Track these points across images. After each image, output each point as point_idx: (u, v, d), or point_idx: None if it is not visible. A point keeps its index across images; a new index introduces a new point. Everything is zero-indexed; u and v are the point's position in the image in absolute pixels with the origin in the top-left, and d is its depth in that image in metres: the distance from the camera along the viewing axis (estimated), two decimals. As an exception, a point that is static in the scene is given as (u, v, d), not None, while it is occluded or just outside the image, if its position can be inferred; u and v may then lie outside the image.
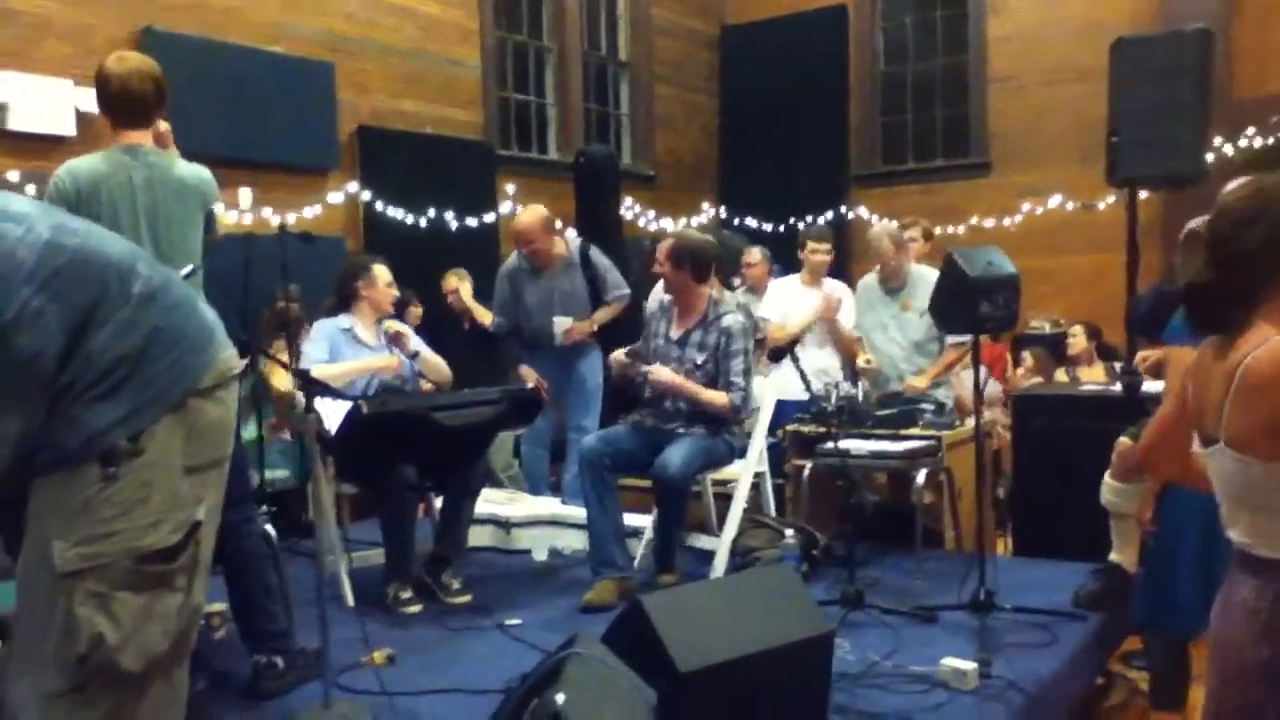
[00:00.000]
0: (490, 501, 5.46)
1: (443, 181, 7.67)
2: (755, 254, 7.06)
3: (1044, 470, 5.01)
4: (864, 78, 10.58)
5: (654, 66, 10.16)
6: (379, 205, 7.23)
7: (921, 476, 4.67)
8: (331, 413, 4.25)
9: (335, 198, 7.06)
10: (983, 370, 7.19)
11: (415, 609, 4.31)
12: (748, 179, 10.50)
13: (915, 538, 4.74)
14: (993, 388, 6.96)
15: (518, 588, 4.69)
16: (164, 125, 3.49)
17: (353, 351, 4.66)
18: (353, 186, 7.16)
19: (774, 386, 4.85)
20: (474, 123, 8.23)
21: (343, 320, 4.69)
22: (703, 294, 4.60)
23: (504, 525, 5.29)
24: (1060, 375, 7.49)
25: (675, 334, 4.63)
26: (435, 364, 4.87)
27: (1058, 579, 4.28)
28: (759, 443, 4.73)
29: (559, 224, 5.70)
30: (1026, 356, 8.05)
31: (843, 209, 10.17)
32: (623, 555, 4.44)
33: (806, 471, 4.92)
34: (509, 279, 5.51)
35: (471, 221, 7.78)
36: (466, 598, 4.44)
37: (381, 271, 4.79)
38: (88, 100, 5.68)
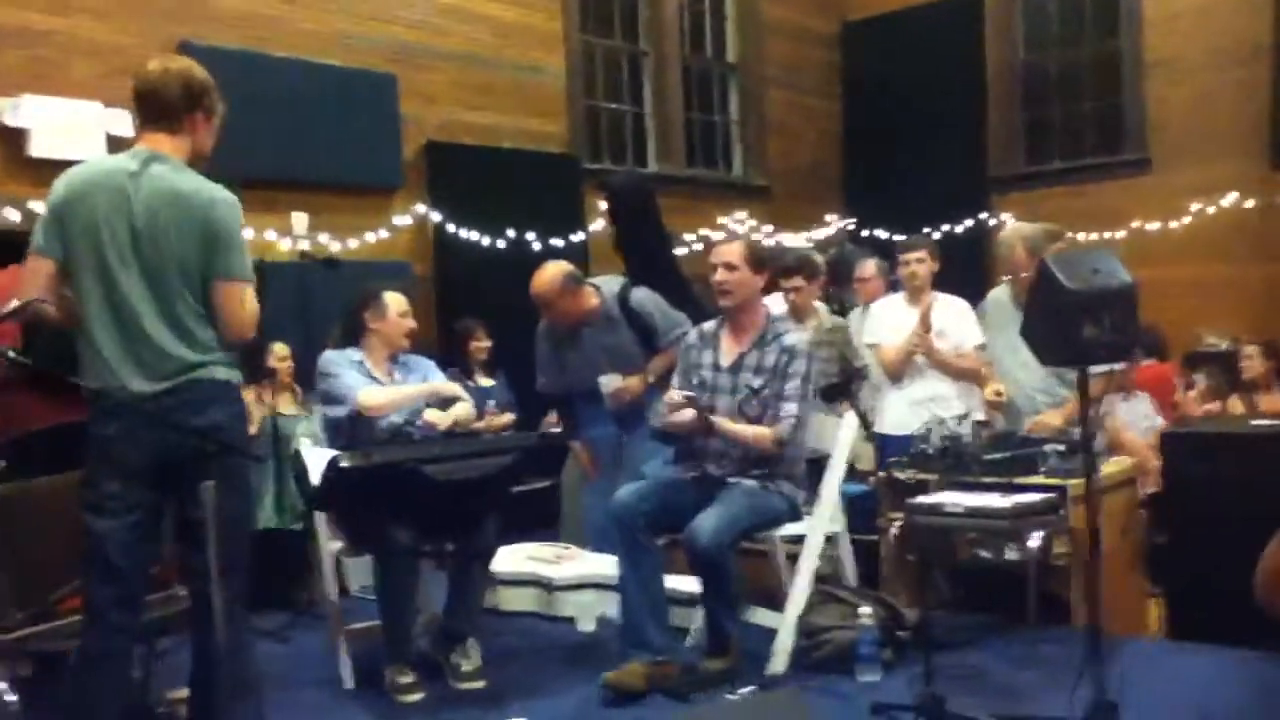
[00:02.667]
0: (535, 559, 4.79)
1: (522, 199, 7.07)
2: (869, 268, 6.20)
3: (1202, 525, 3.99)
4: (1002, 69, 9.52)
5: (766, 69, 9.37)
6: (450, 226, 6.67)
7: (1036, 539, 3.73)
8: (316, 463, 3.66)
9: (401, 220, 6.55)
10: (1145, 398, 6.31)
11: (414, 698, 3.67)
12: (876, 187, 9.57)
13: (1028, 611, 3.82)
14: (1151, 419, 5.87)
15: (546, 667, 3.99)
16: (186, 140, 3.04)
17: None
18: (420, 207, 6.63)
19: (848, 425, 4.00)
20: (556, 134, 7.62)
21: (352, 353, 4.07)
22: (761, 311, 3.83)
23: (547, 587, 4.60)
24: (1235, 404, 6.32)
25: (727, 360, 3.87)
26: (467, 418, 4.20)
27: (1215, 675, 3.31)
28: (830, 496, 3.90)
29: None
30: (1200, 379, 6.87)
31: (983, 215, 9.14)
32: (660, 633, 3.69)
33: (893, 531, 4.05)
34: (547, 338, 4.73)
35: (557, 242, 7.14)
36: (479, 684, 3.76)
37: (395, 301, 4.15)
38: (120, 123, 5.37)
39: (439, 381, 4.17)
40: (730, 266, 3.83)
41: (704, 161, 9.05)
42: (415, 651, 3.83)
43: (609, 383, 4.54)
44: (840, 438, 3.95)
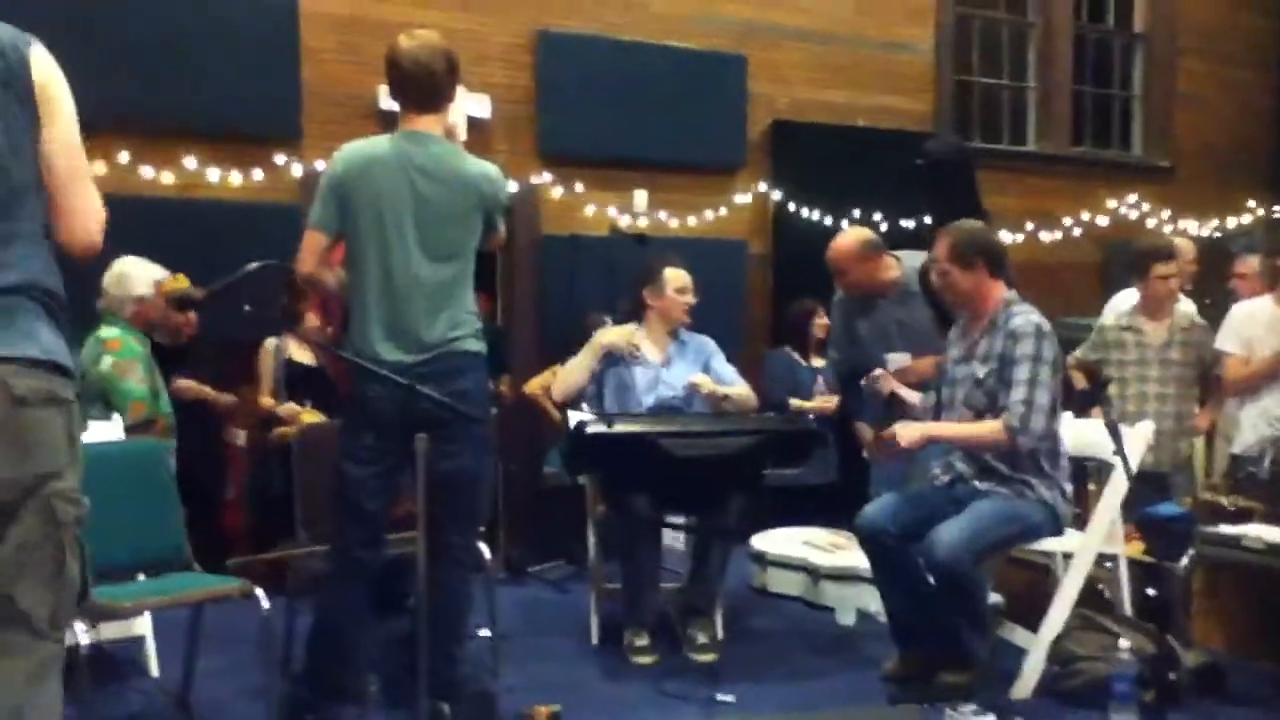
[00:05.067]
0: (809, 544, 4.71)
1: (873, 179, 6.86)
2: (1251, 263, 5.42)
3: None
4: None
5: (1179, 38, 8.37)
6: (790, 205, 6.65)
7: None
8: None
9: (742, 198, 6.63)
10: None
11: (647, 660, 3.78)
12: (1320, 168, 8.27)
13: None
14: None
15: (782, 655, 3.92)
16: (451, 119, 3.34)
17: (627, 369, 4.16)
18: (761, 186, 6.67)
19: (1140, 434, 3.53)
20: (921, 112, 7.29)
21: (630, 328, 4.22)
22: (992, 299, 3.50)
23: (814, 574, 4.51)
24: None
25: (961, 351, 3.57)
26: (740, 398, 4.21)
27: None
28: (1107, 511, 3.48)
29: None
30: None
31: None
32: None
33: (1184, 561, 3.54)
34: (840, 308, 4.52)
35: (907, 223, 6.88)
36: (710, 656, 3.80)
37: (674, 277, 4.21)
38: (479, 106, 5.91)
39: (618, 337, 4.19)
40: (942, 270, 3.53)
41: (1095, 140, 8.28)
42: (656, 618, 3.92)
43: (896, 360, 4.26)
44: (1129, 447, 3.51)
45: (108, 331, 4.02)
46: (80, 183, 2.00)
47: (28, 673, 1.83)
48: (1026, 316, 3.40)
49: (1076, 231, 7.61)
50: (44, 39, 2.02)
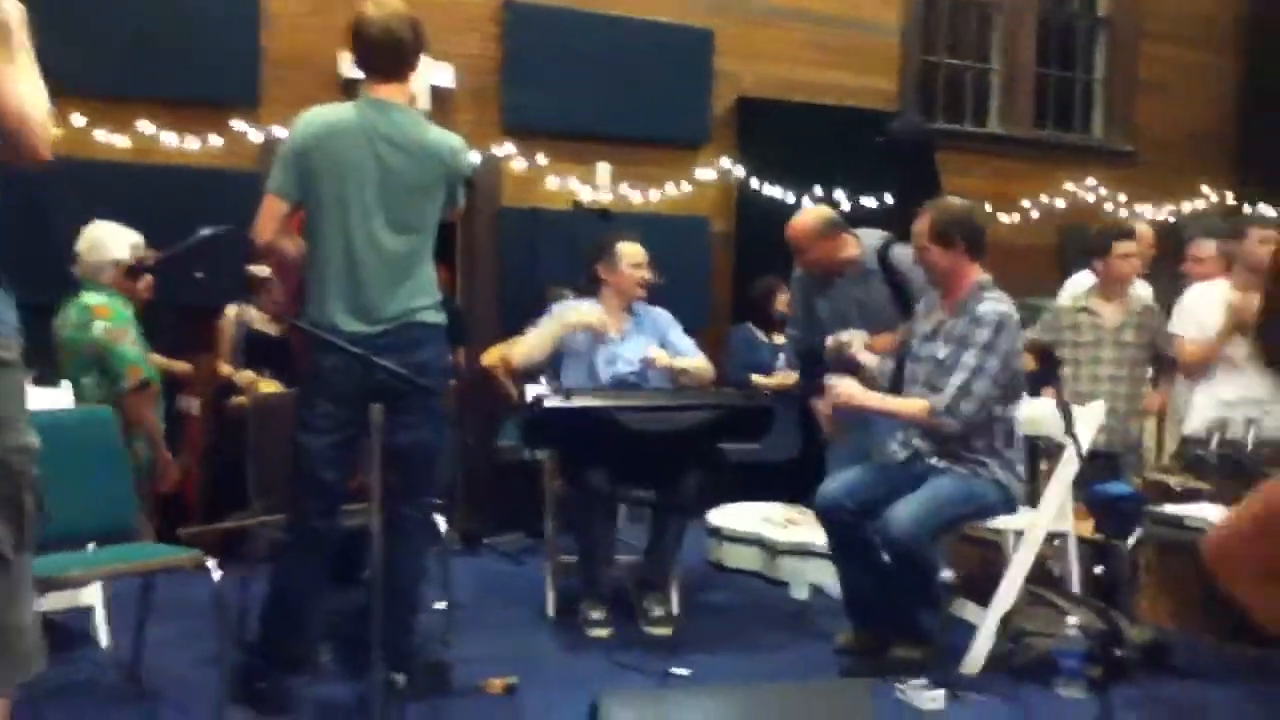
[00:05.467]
0: (766, 520, 4.74)
1: (837, 157, 6.87)
2: (1206, 247, 5.47)
3: None
4: None
5: (1143, 22, 8.43)
6: (753, 183, 6.65)
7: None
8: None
9: (705, 174, 6.62)
10: None
11: (601, 633, 3.80)
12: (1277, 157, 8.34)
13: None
14: None
15: (737, 629, 3.96)
16: (413, 90, 3.30)
17: (589, 345, 4.14)
18: (725, 162, 6.66)
19: (1092, 414, 3.58)
20: (886, 91, 7.30)
21: (585, 304, 4.21)
22: (967, 280, 3.52)
23: (770, 549, 4.55)
24: None
25: (928, 327, 3.61)
26: (697, 370, 4.22)
27: None
28: (1058, 490, 3.53)
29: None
30: None
31: None
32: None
33: (1132, 540, 3.60)
34: (800, 286, 4.53)
35: (868, 202, 6.90)
36: (665, 630, 3.81)
37: (628, 252, 4.20)
38: (444, 75, 5.85)
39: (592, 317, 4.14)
40: (920, 246, 3.56)
41: (1056, 123, 8.33)
42: (612, 591, 3.93)
43: (852, 339, 4.28)
44: (1080, 427, 3.55)
45: (93, 298, 3.96)
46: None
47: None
48: (994, 305, 3.43)
49: (1035, 214, 7.68)
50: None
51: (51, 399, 3.59)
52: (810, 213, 4.41)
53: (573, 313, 4.15)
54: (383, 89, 3.12)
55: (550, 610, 4.03)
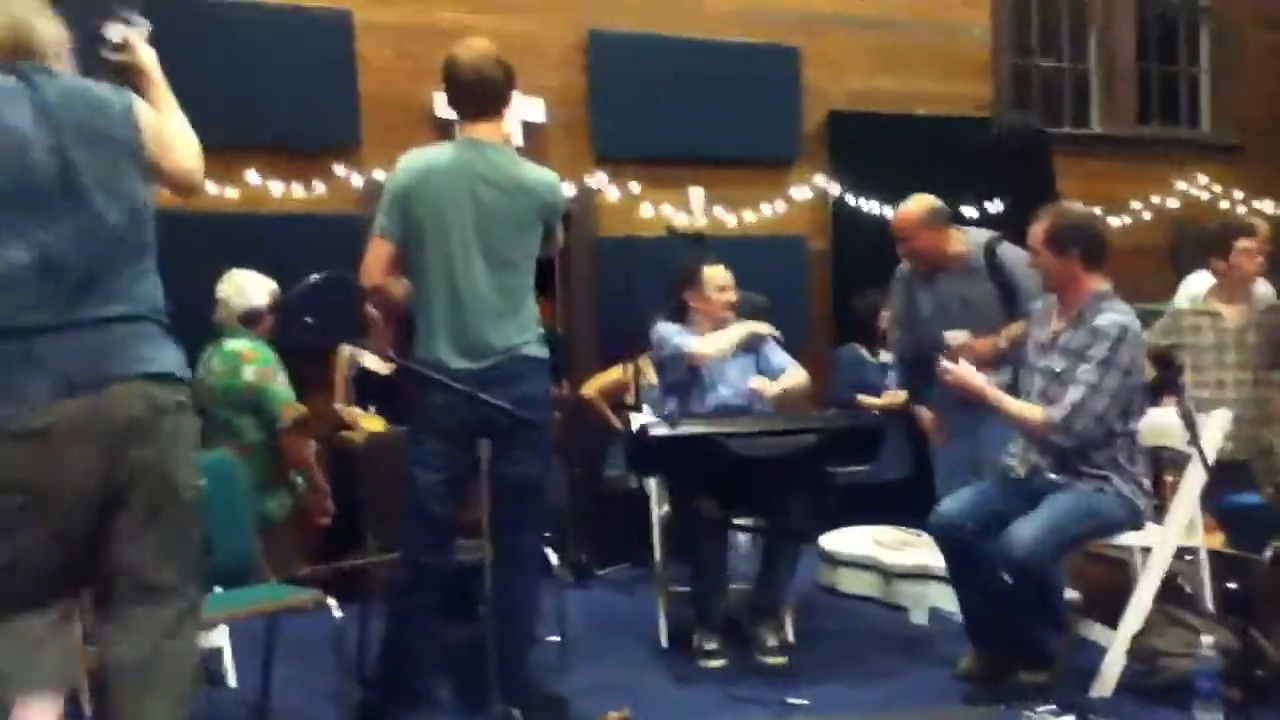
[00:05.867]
0: (879, 543, 4.66)
1: (933, 167, 6.74)
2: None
3: None
4: None
5: (1248, 9, 8.13)
6: (849, 199, 6.58)
7: None
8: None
9: (799, 192, 6.57)
10: None
11: (715, 664, 3.76)
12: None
13: None
14: None
15: (854, 656, 3.88)
16: (506, 129, 3.37)
17: (687, 371, 4.12)
18: (819, 179, 6.60)
19: (1217, 422, 3.43)
20: (978, 97, 7.16)
21: (679, 328, 4.21)
22: (1084, 289, 3.41)
23: (884, 573, 4.46)
24: None
25: (1045, 338, 3.51)
26: (797, 385, 4.19)
27: None
28: (1185, 503, 3.40)
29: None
30: None
31: None
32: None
33: (1267, 553, 3.44)
34: (902, 281, 4.44)
35: (968, 210, 6.76)
36: (780, 659, 3.77)
37: (713, 275, 4.19)
38: (534, 110, 5.92)
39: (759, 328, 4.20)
40: (1034, 251, 3.46)
41: (1161, 119, 8.08)
42: (725, 620, 3.90)
43: (954, 338, 4.14)
44: (1205, 437, 3.42)
45: (237, 344, 4.11)
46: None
47: (163, 625, 2.15)
48: (1113, 316, 3.32)
49: (1146, 215, 7.44)
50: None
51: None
52: (917, 200, 4.29)
53: (747, 325, 4.22)
54: (477, 129, 3.19)
55: (663, 641, 4.01)
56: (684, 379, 4.13)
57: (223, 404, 4.07)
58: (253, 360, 4.07)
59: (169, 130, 2.35)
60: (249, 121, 5.22)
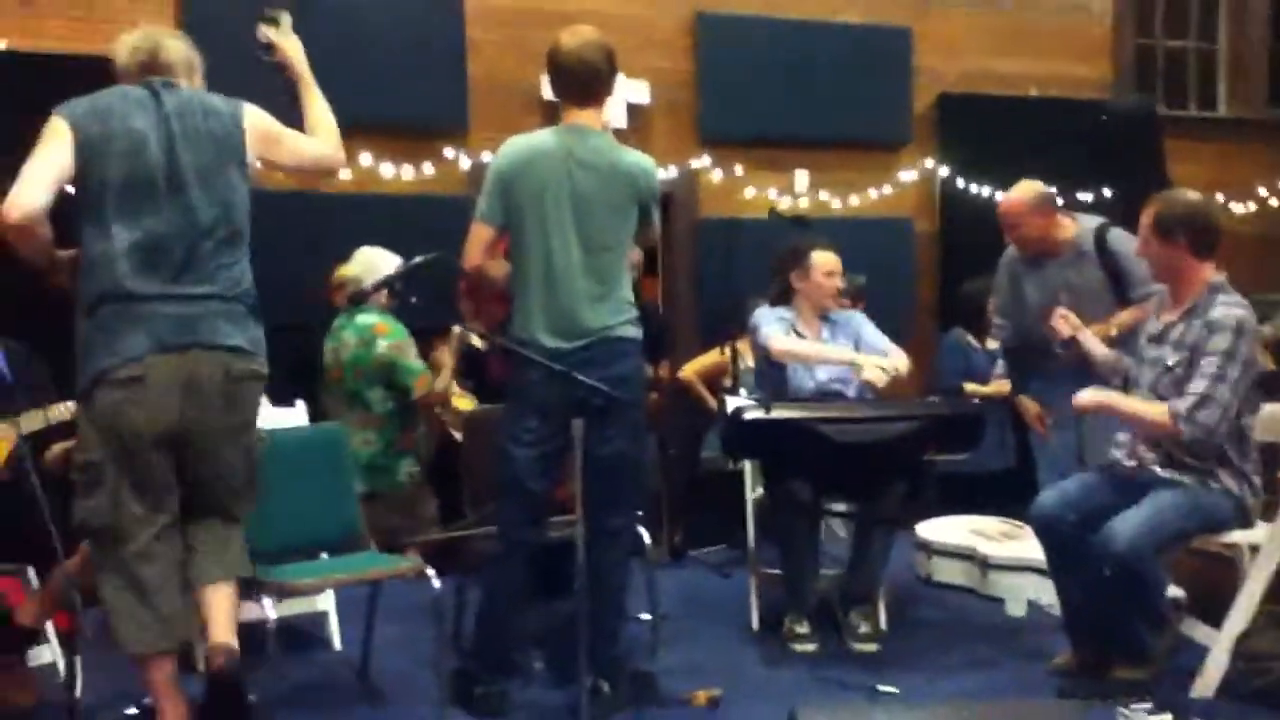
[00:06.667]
0: (977, 533, 4.59)
1: (1050, 150, 6.55)
2: None
3: None
4: None
5: (1393, -17, 7.70)
6: (959, 181, 6.46)
7: None
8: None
9: (907, 175, 6.48)
10: None
11: (806, 648, 3.76)
12: None
13: None
14: None
15: (947, 646, 3.84)
16: (605, 116, 3.42)
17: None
18: (928, 162, 6.50)
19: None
20: (1098, 78, 6.94)
21: (782, 311, 4.19)
22: (1202, 277, 3.30)
23: (982, 564, 4.40)
24: None
25: (1156, 328, 3.41)
26: (899, 370, 4.13)
27: None
28: (1298, 505, 3.27)
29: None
30: None
31: None
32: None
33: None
34: (1008, 267, 4.33)
35: (1084, 195, 6.57)
36: (871, 647, 3.76)
37: (821, 260, 4.14)
38: (639, 92, 5.94)
39: (863, 354, 4.03)
40: (1143, 239, 3.36)
41: (1294, 102, 7.72)
42: (817, 605, 3.89)
43: (1062, 317, 3.99)
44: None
45: (368, 319, 4.29)
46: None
47: (224, 539, 2.81)
48: (1229, 309, 3.21)
49: (1273, 202, 7.13)
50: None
51: (287, 417, 3.87)
52: (1025, 186, 4.19)
53: (850, 355, 4.07)
54: (579, 114, 3.23)
55: (755, 623, 4.03)
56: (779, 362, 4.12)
57: (353, 375, 4.24)
58: (386, 334, 4.24)
59: (310, 121, 2.96)
60: (361, 104, 5.32)
